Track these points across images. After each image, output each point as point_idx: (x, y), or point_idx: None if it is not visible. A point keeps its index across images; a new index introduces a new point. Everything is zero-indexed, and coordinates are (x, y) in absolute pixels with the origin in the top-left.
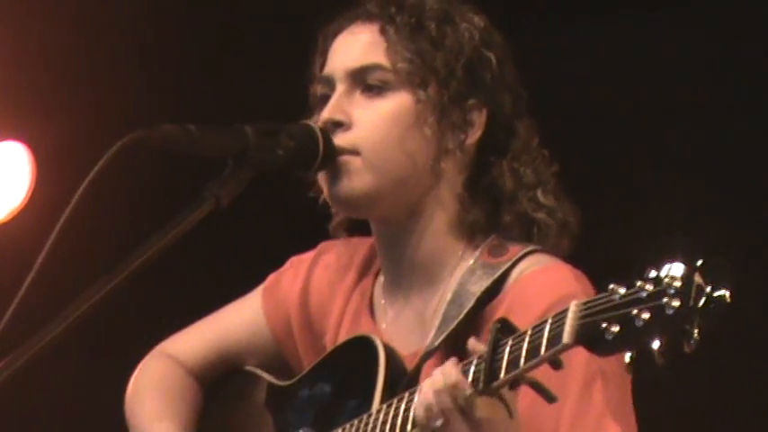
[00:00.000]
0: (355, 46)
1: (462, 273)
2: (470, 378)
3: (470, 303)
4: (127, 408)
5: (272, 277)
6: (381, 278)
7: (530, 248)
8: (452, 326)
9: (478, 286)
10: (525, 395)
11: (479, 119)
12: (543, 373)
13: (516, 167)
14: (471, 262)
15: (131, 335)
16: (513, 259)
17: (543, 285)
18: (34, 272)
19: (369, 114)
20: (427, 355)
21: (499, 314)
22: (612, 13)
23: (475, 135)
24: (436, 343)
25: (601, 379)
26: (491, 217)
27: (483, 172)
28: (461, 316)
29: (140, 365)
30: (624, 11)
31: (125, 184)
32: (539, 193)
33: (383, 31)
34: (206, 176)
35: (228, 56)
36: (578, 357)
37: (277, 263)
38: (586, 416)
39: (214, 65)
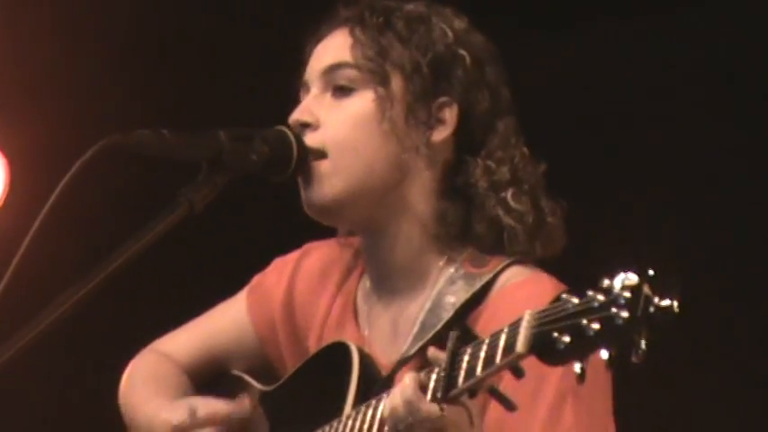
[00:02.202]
0: (328, 48)
1: (443, 282)
2: (431, 386)
3: (449, 314)
4: (121, 397)
5: (256, 279)
6: (365, 282)
7: (511, 260)
8: (429, 335)
9: (458, 297)
10: (494, 409)
11: (450, 116)
12: (515, 387)
13: (490, 165)
14: (452, 271)
15: (106, 341)
16: (495, 270)
17: (524, 297)
18: (7, 277)
19: (335, 114)
20: (402, 362)
21: (479, 325)
22: (592, 21)
23: (445, 132)
24: (412, 351)
25: (572, 398)
26: (465, 226)
27: (458, 171)
28: (439, 326)
29: (132, 362)
30: (603, 18)
31: (99, 189)
32: (509, 196)
33: (352, 32)
34: (180, 181)
35: (204, 61)
36: (552, 373)
37: (262, 264)
38: None
39: (189, 70)
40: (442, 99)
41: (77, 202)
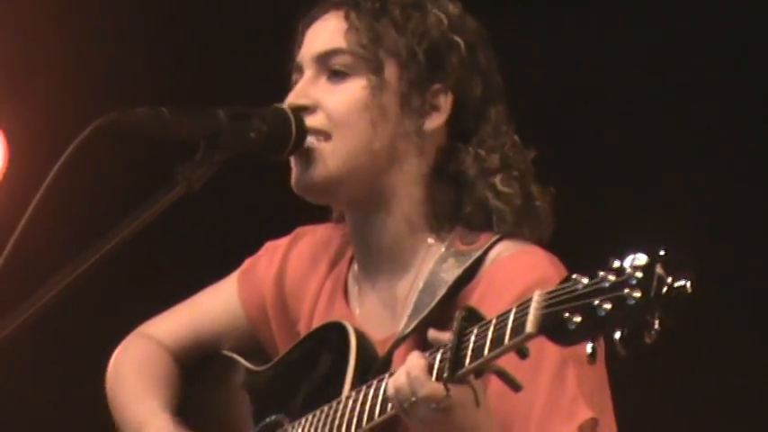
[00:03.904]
0: (322, 32)
1: (434, 261)
2: (436, 366)
3: (443, 291)
4: (109, 388)
5: (247, 262)
6: (356, 264)
7: (501, 235)
8: (425, 313)
9: (450, 274)
10: (496, 383)
11: (444, 103)
12: (515, 360)
13: (480, 153)
14: (443, 250)
15: (102, 320)
16: (486, 246)
17: (518, 269)
18: (4, 257)
19: (331, 98)
20: (399, 341)
21: (474, 299)
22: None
23: (439, 119)
24: (408, 330)
25: (573, 364)
26: (455, 206)
27: (450, 157)
28: (434, 303)
29: (121, 346)
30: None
31: (97, 167)
32: (497, 180)
33: (347, 17)
34: (178, 160)
35: (203, 39)
36: (551, 343)
37: (254, 247)
38: (559, 401)
39: (188, 48)
40: (437, 86)
41: (75, 181)
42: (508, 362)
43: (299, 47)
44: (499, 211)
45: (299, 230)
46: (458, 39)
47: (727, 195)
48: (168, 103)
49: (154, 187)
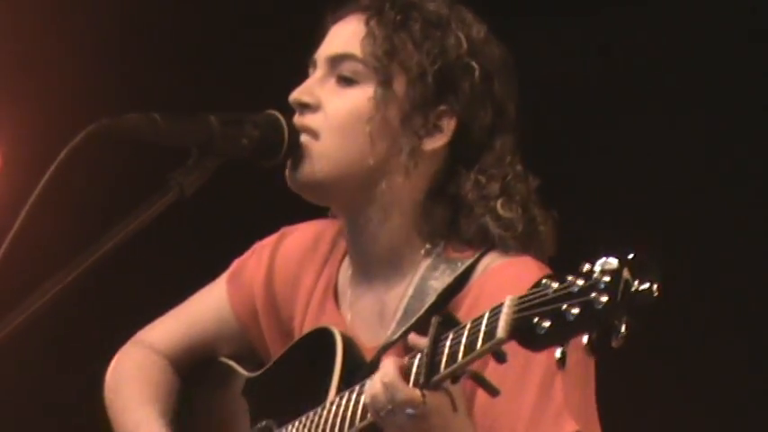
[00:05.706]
0: (340, 34)
1: (425, 268)
2: (413, 371)
3: (432, 298)
4: (107, 397)
5: (235, 264)
6: (346, 266)
7: (491, 245)
8: (413, 320)
9: (441, 282)
10: (483, 394)
11: (448, 126)
12: (503, 370)
13: (481, 179)
14: (434, 256)
15: (96, 326)
16: (477, 254)
17: (509, 279)
18: None
19: (335, 101)
20: (386, 347)
21: (464, 308)
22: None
23: (440, 141)
24: (395, 337)
25: (561, 376)
26: (451, 224)
27: (449, 180)
28: (422, 311)
29: (118, 355)
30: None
31: (89, 173)
32: (498, 205)
33: (367, 22)
34: (170, 166)
35: (196, 44)
36: (540, 353)
37: (242, 248)
38: (544, 413)
39: (181, 53)
40: (443, 108)
41: (67, 187)
42: (494, 371)
43: (321, 42)
44: (500, 238)
45: (284, 229)
46: (474, 64)
47: (711, 198)
48: (162, 108)
49: (147, 192)
